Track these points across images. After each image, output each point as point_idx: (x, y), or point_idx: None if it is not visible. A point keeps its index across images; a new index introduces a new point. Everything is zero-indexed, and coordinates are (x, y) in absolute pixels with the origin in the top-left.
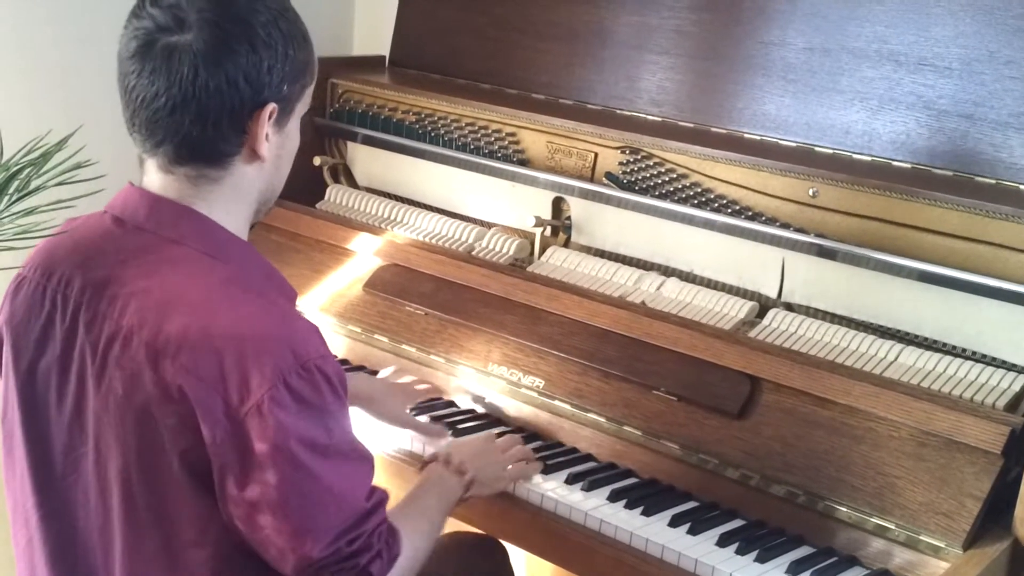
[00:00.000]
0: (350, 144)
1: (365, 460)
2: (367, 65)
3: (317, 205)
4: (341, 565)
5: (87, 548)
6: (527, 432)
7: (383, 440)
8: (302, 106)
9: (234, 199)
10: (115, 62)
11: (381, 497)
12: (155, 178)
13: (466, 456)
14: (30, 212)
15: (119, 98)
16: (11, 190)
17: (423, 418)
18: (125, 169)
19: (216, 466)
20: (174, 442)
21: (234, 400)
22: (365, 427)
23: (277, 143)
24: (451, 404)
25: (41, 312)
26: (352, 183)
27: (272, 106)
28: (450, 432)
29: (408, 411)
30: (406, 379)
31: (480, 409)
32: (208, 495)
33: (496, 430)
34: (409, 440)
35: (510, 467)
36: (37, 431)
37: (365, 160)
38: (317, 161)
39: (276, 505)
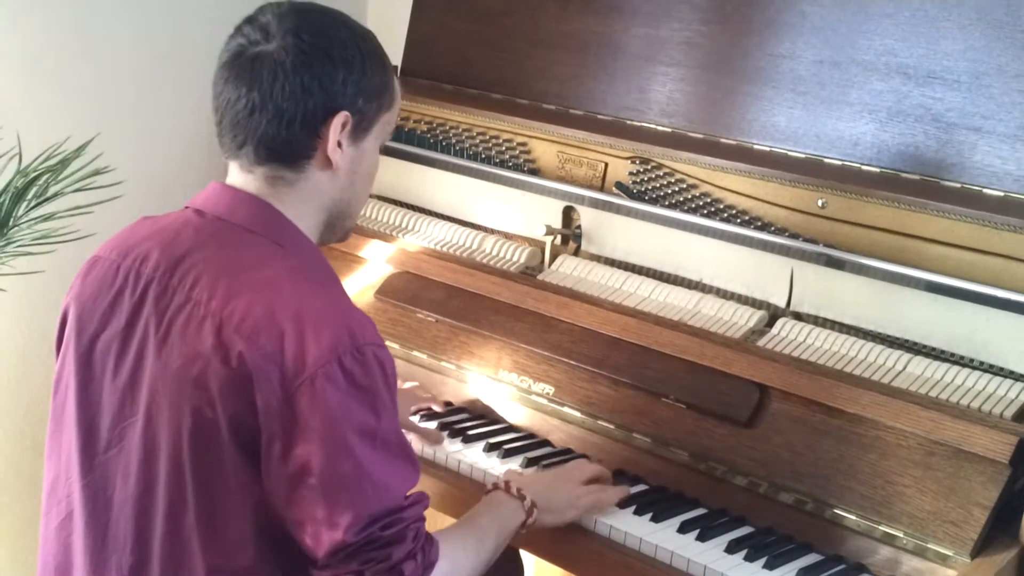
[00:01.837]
0: None
1: (410, 461)
2: None
3: None
4: (374, 554)
5: (119, 521)
6: (539, 439)
7: None
8: (381, 129)
9: (307, 202)
10: (133, 72)
11: (419, 497)
12: (237, 178)
13: (529, 482)
14: (48, 218)
15: (209, 112)
16: (29, 196)
17: (426, 423)
18: (142, 176)
19: (264, 435)
20: (225, 405)
21: (290, 372)
22: None
23: (352, 156)
24: (463, 411)
25: (112, 287)
26: None
27: (345, 114)
28: (447, 436)
29: (409, 415)
30: (408, 384)
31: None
32: (255, 467)
33: (584, 463)
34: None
35: (585, 500)
36: (89, 403)
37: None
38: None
39: (315, 482)
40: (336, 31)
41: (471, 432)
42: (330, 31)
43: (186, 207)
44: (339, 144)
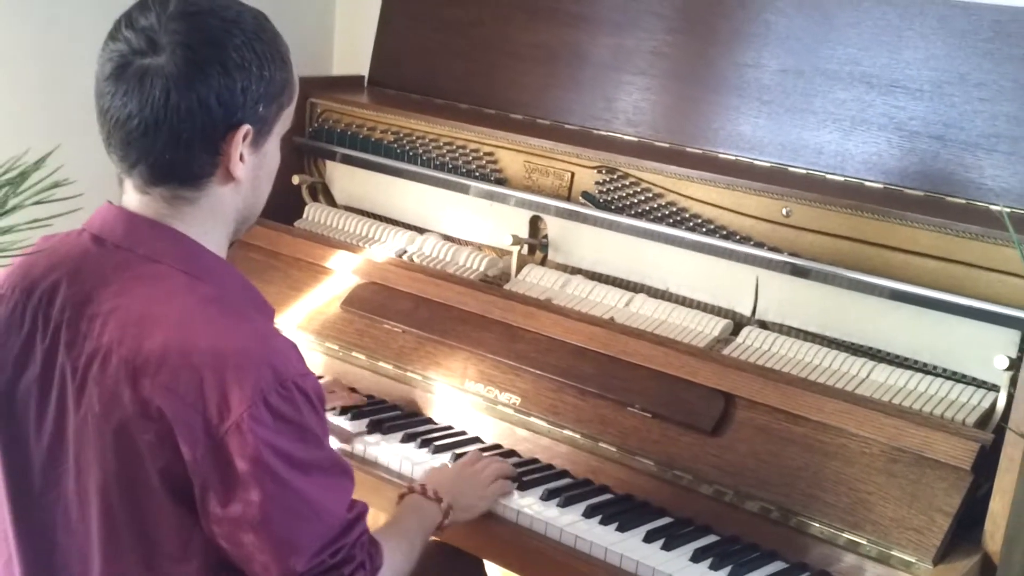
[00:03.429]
0: (329, 163)
1: (345, 473)
2: (346, 85)
3: (296, 223)
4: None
5: (66, 567)
6: (504, 449)
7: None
8: (281, 126)
9: (211, 219)
10: (93, 82)
11: (361, 509)
12: (133, 197)
13: (442, 483)
14: (7, 231)
15: (96, 118)
16: None
17: (400, 441)
18: (104, 188)
19: (197, 484)
20: (153, 459)
21: (214, 418)
22: None
23: (254, 164)
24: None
25: (21, 331)
26: (331, 202)
27: (247, 127)
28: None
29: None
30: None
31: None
32: (189, 510)
33: (474, 448)
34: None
35: (490, 487)
36: (16, 450)
37: (344, 179)
38: (296, 180)
39: (258, 522)
40: (229, 36)
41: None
42: (222, 38)
43: (83, 230)
44: (240, 156)
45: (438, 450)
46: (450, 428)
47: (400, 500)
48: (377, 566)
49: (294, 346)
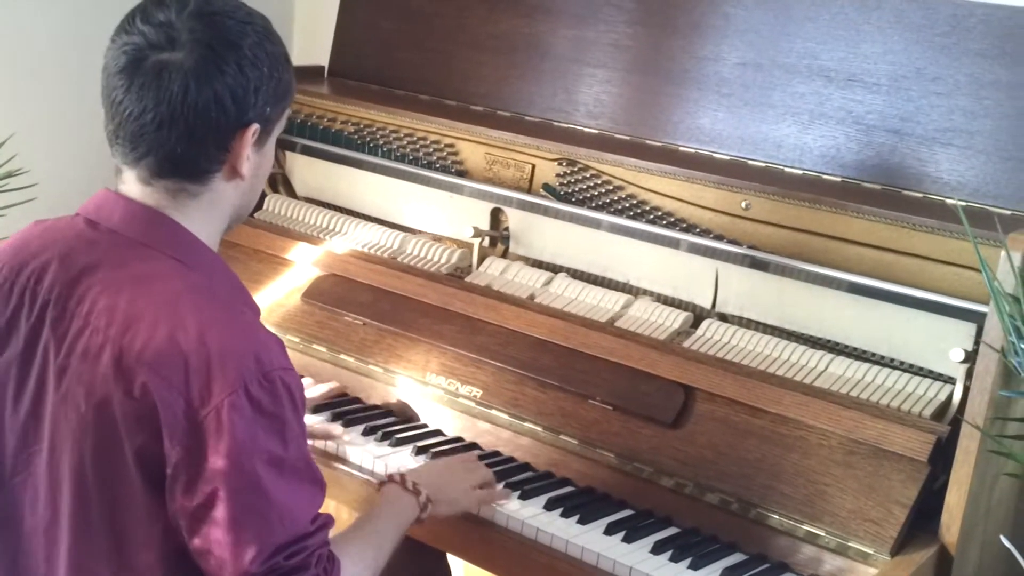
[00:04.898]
0: (289, 154)
1: (317, 484)
2: (306, 75)
3: (255, 215)
4: None
5: (29, 549)
6: (466, 442)
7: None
8: (279, 127)
9: (210, 213)
10: (50, 70)
11: (325, 521)
12: (133, 188)
13: (423, 476)
14: None
15: (99, 110)
16: None
17: (361, 434)
18: (57, 178)
19: (169, 467)
20: (131, 439)
21: (195, 402)
22: None
23: (255, 162)
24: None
25: (7, 308)
26: (291, 193)
27: (255, 126)
28: (391, 447)
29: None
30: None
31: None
32: (160, 496)
33: (472, 454)
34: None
35: (477, 491)
36: None
37: (304, 170)
38: (268, 174)
39: (221, 514)
40: (244, 37)
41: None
42: (239, 37)
43: (77, 214)
44: (247, 156)
45: (399, 443)
46: (412, 421)
47: (379, 489)
48: None
49: (280, 342)
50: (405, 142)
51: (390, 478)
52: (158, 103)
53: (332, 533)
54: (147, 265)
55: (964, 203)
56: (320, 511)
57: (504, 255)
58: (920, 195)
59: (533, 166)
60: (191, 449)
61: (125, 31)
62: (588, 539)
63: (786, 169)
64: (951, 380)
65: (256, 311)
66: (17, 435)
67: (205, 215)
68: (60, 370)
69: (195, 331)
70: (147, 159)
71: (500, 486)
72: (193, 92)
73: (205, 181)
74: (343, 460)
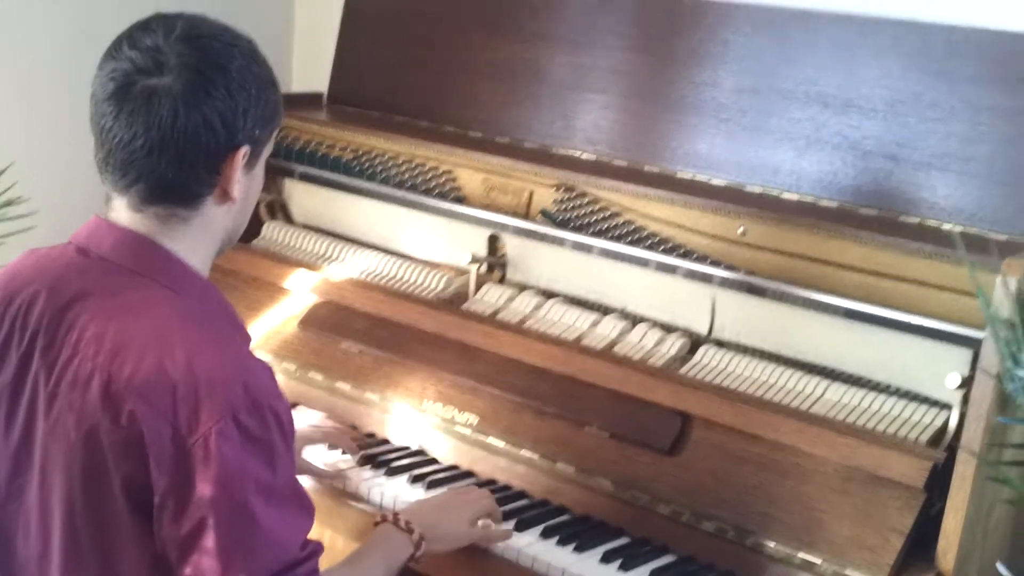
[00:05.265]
0: (287, 180)
1: (305, 510)
2: (305, 102)
3: (253, 242)
4: None
5: None
6: (462, 469)
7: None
8: (268, 149)
9: (201, 238)
10: (49, 98)
11: (315, 548)
12: (124, 215)
13: (417, 514)
14: None
15: (93, 138)
16: None
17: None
18: (59, 206)
19: (157, 495)
20: (117, 467)
21: (183, 430)
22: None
23: (246, 185)
24: (386, 441)
25: None
26: (288, 220)
27: (245, 148)
28: (386, 477)
29: (310, 454)
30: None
31: (414, 446)
32: (148, 525)
33: (467, 481)
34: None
35: (479, 524)
36: None
37: (302, 196)
38: (258, 196)
39: (209, 543)
40: (232, 60)
41: (394, 465)
42: (226, 61)
43: (69, 243)
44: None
45: (393, 472)
46: (406, 448)
47: (375, 526)
48: None
49: (269, 369)
50: (404, 168)
51: (383, 517)
52: (148, 128)
53: (326, 563)
54: (137, 293)
55: (961, 228)
56: (316, 540)
57: (501, 281)
58: (917, 220)
59: (531, 192)
60: (178, 477)
61: (112, 57)
62: (585, 567)
63: (783, 194)
64: (947, 406)
65: (247, 338)
66: (9, 464)
67: (196, 240)
68: (50, 399)
69: (183, 359)
70: (137, 185)
71: (501, 524)
72: (183, 116)
73: (196, 206)
74: (341, 490)
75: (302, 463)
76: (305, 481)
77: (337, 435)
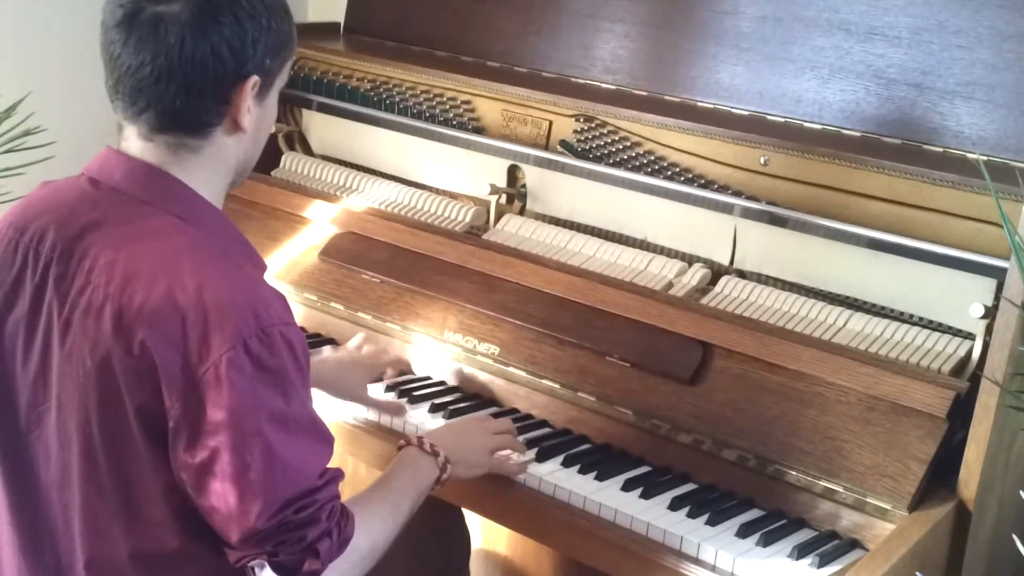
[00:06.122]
0: (305, 111)
1: (324, 440)
2: (321, 32)
3: (272, 173)
4: (287, 536)
5: (47, 505)
6: (484, 399)
7: (340, 408)
8: (281, 80)
9: (212, 169)
10: (66, 28)
11: (333, 475)
12: (135, 144)
13: (441, 438)
14: None
15: (102, 65)
16: None
17: (384, 392)
18: (76, 136)
19: (171, 424)
20: (131, 396)
21: (193, 359)
22: (320, 401)
23: (257, 116)
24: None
25: (12, 268)
26: (307, 150)
27: (255, 78)
28: (408, 405)
29: (368, 387)
30: (367, 348)
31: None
32: (164, 452)
33: (489, 411)
34: (366, 410)
35: (498, 453)
36: (2, 388)
37: (320, 127)
38: (272, 128)
39: (224, 470)
40: None
41: (425, 397)
42: None
43: (81, 174)
44: (248, 109)
45: (415, 400)
46: (428, 378)
47: (399, 449)
48: (346, 538)
49: (282, 297)
50: (422, 99)
51: (408, 440)
52: (155, 56)
53: (350, 493)
54: (147, 222)
55: (985, 157)
56: (336, 467)
57: (521, 212)
58: (941, 150)
59: (550, 122)
60: (191, 406)
61: None
62: (605, 496)
63: (805, 124)
64: (971, 336)
65: (260, 266)
66: (28, 393)
67: (207, 170)
68: (64, 328)
69: (193, 287)
70: (147, 113)
71: (523, 453)
72: (190, 44)
73: (206, 135)
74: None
75: (364, 396)
76: (327, 411)
77: (383, 364)
